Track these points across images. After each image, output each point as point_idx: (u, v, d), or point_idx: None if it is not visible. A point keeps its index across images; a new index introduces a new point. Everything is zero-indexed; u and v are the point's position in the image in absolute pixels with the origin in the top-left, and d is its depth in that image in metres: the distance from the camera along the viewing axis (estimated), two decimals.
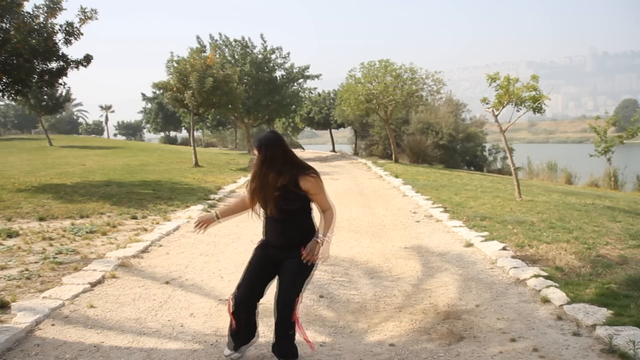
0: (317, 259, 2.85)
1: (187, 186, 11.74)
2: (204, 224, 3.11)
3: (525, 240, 5.97)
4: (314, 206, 2.95)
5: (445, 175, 15.60)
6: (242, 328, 3.05)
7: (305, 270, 2.88)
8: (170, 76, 17.26)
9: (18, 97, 13.55)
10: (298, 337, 3.01)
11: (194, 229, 3.16)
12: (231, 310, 3.00)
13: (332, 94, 34.49)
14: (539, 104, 9.48)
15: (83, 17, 11.19)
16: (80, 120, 73.68)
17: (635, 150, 39.62)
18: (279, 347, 2.98)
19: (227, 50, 27.05)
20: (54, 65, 11.32)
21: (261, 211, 2.97)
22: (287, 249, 2.89)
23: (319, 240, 2.84)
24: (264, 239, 3.02)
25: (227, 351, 3.15)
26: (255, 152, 2.82)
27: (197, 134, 47.76)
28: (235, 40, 27.24)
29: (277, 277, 2.95)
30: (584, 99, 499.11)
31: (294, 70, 27.96)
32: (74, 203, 8.72)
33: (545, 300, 4.01)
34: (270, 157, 2.76)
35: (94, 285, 4.54)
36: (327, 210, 2.91)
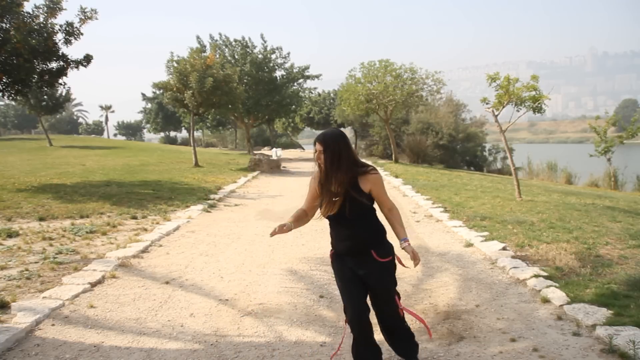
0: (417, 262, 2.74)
1: (187, 186, 11.74)
2: (280, 232, 2.78)
3: (525, 240, 5.97)
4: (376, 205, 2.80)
5: (445, 175, 15.60)
6: (365, 350, 2.75)
7: (390, 269, 2.75)
8: (170, 76, 17.27)
9: (18, 97, 13.55)
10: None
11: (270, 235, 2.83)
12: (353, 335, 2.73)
13: (332, 94, 34.52)
14: (539, 104, 9.48)
15: (83, 17, 11.19)
16: (80, 120, 73.72)
17: (635, 150, 39.63)
18: (402, 349, 2.90)
19: (227, 50, 27.06)
20: (54, 65, 11.33)
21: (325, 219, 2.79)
22: (360, 255, 2.71)
23: (408, 244, 2.73)
24: (335, 251, 2.82)
25: None
26: (320, 147, 2.64)
27: (197, 134, 47.80)
28: (235, 40, 27.25)
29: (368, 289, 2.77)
30: (584, 99, 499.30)
31: (294, 70, 27.97)
32: (74, 203, 8.72)
33: (545, 300, 4.01)
34: (339, 154, 2.61)
35: (94, 285, 4.54)
36: (392, 208, 2.78)
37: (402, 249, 2.74)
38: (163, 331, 3.59)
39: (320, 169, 2.69)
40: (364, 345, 2.74)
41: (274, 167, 17.86)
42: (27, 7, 15.51)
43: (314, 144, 2.71)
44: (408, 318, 3.03)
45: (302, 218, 2.80)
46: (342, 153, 2.62)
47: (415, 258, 2.74)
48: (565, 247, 5.56)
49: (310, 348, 3.29)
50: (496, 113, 9.94)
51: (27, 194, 9.67)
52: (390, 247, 2.78)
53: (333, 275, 4.83)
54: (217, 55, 23.25)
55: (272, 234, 2.69)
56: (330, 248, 2.86)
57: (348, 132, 42.33)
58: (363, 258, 2.70)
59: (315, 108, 34.40)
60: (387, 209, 2.78)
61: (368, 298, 2.79)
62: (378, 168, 18.39)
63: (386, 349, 3.19)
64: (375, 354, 2.78)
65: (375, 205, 2.77)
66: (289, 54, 27.82)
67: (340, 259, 2.78)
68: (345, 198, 2.64)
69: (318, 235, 6.80)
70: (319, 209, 2.78)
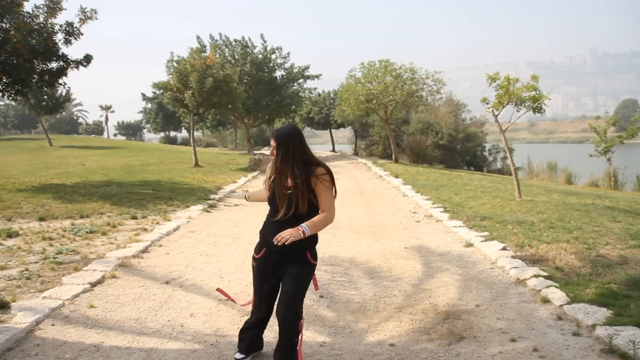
0: (284, 240, 2.61)
1: (187, 186, 11.74)
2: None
3: (525, 240, 5.97)
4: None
5: (445, 175, 15.60)
6: (255, 338, 3.10)
7: (307, 276, 2.80)
8: (170, 76, 17.26)
9: (18, 97, 13.54)
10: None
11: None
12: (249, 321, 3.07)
13: (332, 94, 34.51)
14: (539, 104, 9.48)
15: (83, 17, 11.19)
16: (80, 120, 73.69)
17: (635, 150, 39.62)
18: (281, 353, 2.80)
19: (227, 50, 27.04)
20: (54, 65, 11.32)
21: (267, 211, 2.89)
22: (290, 254, 2.77)
23: (299, 228, 2.64)
24: (262, 246, 2.89)
25: (238, 355, 3.08)
26: (273, 143, 2.72)
27: (197, 134, 47.78)
28: (236, 40, 27.25)
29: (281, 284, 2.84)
30: (584, 99, 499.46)
31: (294, 70, 27.96)
32: (74, 203, 8.72)
33: (545, 300, 4.01)
34: (290, 151, 2.67)
35: (94, 285, 4.54)
36: (325, 212, 2.74)
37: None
38: (163, 331, 3.59)
39: (274, 163, 2.78)
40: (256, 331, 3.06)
41: None
42: (27, 7, 15.52)
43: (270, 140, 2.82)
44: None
45: (263, 194, 3.07)
46: (294, 150, 2.69)
47: (282, 237, 2.60)
48: (565, 247, 5.56)
49: (310, 348, 3.30)
50: (496, 113, 9.94)
51: (27, 194, 9.67)
52: (316, 254, 2.89)
53: (333, 275, 4.85)
54: (217, 55, 23.24)
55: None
56: (258, 242, 2.91)
57: (348, 132, 42.31)
58: (296, 257, 2.77)
59: (315, 108, 34.39)
60: (321, 210, 2.76)
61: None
62: (378, 168, 18.27)
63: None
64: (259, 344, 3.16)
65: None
66: (288, 54, 27.82)
67: (268, 256, 2.84)
68: (296, 195, 2.68)
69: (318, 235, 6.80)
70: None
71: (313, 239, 2.82)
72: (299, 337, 2.77)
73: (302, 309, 2.79)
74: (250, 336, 3.07)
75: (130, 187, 11.06)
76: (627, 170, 18.99)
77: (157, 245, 6.17)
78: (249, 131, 29.86)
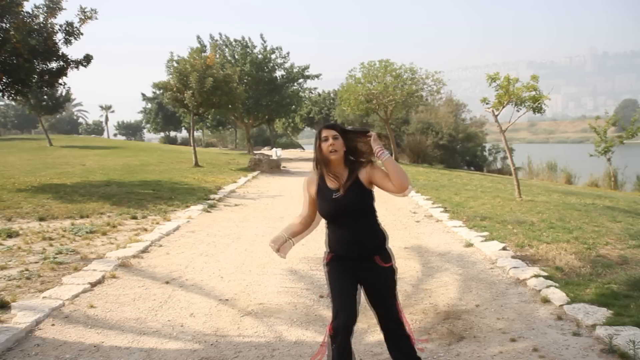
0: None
1: (187, 186, 11.74)
2: (278, 247, 2.69)
3: (525, 240, 5.97)
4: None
5: (445, 175, 15.60)
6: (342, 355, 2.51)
7: (393, 279, 2.59)
8: (170, 76, 17.29)
9: (18, 97, 13.53)
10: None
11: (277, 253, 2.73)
12: (332, 342, 2.49)
13: (332, 94, 34.54)
14: (539, 104, 9.48)
15: (83, 17, 11.19)
16: (80, 120, 73.70)
17: (635, 150, 39.58)
18: (402, 352, 2.63)
19: (227, 50, 27.07)
20: (54, 65, 11.32)
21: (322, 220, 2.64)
22: (363, 260, 2.52)
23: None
24: (333, 254, 2.60)
25: None
26: (334, 133, 2.49)
27: (197, 134, 47.78)
28: (236, 40, 27.27)
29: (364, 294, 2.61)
30: (584, 99, 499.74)
31: (294, 70, 27.98)
32: (74, 203, 8.72)
33: (545, 300, 4.01)
34: (350, 142, 2.51)
35: (94, 285, 4.54)
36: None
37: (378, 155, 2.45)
38: (163, 331, 3.59)
39: (324, 159, 2.52)
40: (342, 351, 2.47)
41: (274, 167, 17.86)
42: (27, 7, 15.47)
43: (318, 134, 2.54)
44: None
45: (300, 229, 2.72)
46: (351, 142, 2.52)
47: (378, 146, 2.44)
48: (565, 247, 5.56)
49: (310, 348, 3.30)
50: (496, 113, 9.94)
51: (27, 194, 9.67)
52: (391, 253, 2.60)
53: None
54: (217, 55, 23.25)
55: (278, 250, 2.67)
56: (327, 250, 2.64)
57: None
58: (367, 264, 2.53)
59: (315, 108, 34.43)
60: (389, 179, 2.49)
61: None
62: None
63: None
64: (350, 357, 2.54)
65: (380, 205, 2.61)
66: (288, 53, 27.84)
67: (340, 262, 2.57)
68: (348, 194, 2.46)
69: (318, 235, 6.78)
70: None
71: (381, 240, 2.55)
72: (407, 326, 2.67)
73: (400, 309, 2.64)
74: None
75: (130, 187, 11.06)
76: (627, 170, 18.99)
77: (157, 245, 6.17)
78: (249, 131, 29.87)
